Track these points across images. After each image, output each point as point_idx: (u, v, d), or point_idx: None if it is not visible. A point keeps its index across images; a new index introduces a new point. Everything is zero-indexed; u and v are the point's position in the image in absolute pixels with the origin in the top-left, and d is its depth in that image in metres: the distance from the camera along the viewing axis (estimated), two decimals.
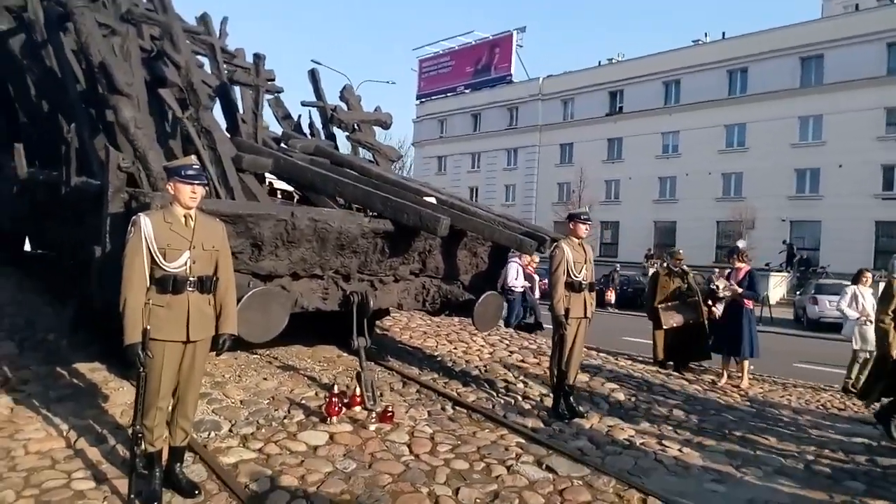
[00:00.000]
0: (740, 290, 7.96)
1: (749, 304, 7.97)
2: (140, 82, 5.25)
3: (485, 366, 7.52)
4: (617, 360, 8.88)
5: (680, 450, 5.38)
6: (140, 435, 3.69)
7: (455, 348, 8.26)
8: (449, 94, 49.74)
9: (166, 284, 3.65)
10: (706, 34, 38.07)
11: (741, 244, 8.98)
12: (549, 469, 4.68)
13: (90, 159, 5.07)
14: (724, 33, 36.41)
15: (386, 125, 8.16)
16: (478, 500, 4.16)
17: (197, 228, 3.76)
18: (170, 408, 3.89)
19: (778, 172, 31.98)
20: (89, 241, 4.63)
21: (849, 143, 29.67)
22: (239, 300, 4.45)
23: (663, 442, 5.55)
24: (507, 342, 8.92)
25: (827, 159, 30.76)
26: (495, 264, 6.79)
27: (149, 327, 3.59)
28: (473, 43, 48.33)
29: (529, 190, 44.32)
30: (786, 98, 31.96)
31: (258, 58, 6.47)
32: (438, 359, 7.73)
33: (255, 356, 6.67)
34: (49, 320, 6.63)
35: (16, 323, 6.73)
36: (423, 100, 52.03)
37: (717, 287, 8.16)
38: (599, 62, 43.04)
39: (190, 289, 3.71)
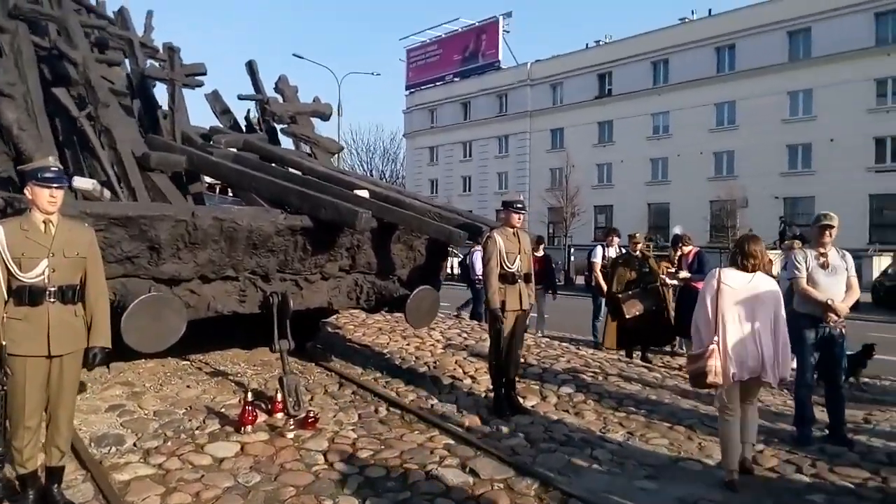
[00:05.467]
0: (689, 275, 7.74)
1: (699, 285, 7.69)
2: (33, 82, 4.99)
3: (435, 362, 7.26)
4: (578, 348, 8.62)
5: (620, 444, 5.14)
6: (1, 457, 3.46)
7: (408, 344, 8.00)
8: (438, 84, 49.29)
9: (22, 296, 3.41)
10: (693, 11, 37.52)
11: (678, 230, 8.78)
12: (472, 472, 4.43)
13: None
14: (710, 10, 35.94)
15: (325, 116, 7.85)
16: None
17: (57, 235, 3.50)
18: (44, 426, 3.65)
19: (769, 149, 31.54)
20: None
21: (840, 117, 29.22)
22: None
23: (605, 436, 5.31)
24: (466, 335, 8.66)
25: (818, 134, 30.34)
26: (434, 257, 6.52)
27: (4, 343, 3.34)
28: (460, 30, 47.81)
29: (522, 177, 43.88)
30: (775, 73, 31.48)
31: (172, 50, 6.19)
32: (387, 356, 7.47)
33: (185, 362, 6.42)
34: None
35: None
36: (412, 90, 51.57)
37: (667, 284, 8.05)
38: (587, 45, 42.47)
39: (50, 300, 3.46)
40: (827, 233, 5.18)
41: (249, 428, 4.86)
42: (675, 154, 35.74)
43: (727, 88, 33.40)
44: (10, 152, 4.58)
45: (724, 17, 33.80)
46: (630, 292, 8.17)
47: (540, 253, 10.69)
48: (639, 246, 8.45)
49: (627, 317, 8.18)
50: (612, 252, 9.40)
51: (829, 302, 5.07)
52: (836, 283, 5.18)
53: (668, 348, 8.95)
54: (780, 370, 4.33)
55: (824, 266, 5.17)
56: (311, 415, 5.12)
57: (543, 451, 4.89)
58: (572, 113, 40.70)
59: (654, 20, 47.06)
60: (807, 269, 5.20)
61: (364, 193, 6.17)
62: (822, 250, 5.22)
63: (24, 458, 3.55)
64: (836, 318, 5.11)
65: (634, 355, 8.50)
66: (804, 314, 5.28)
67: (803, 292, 5.21)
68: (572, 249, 31.44)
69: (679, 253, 8.38)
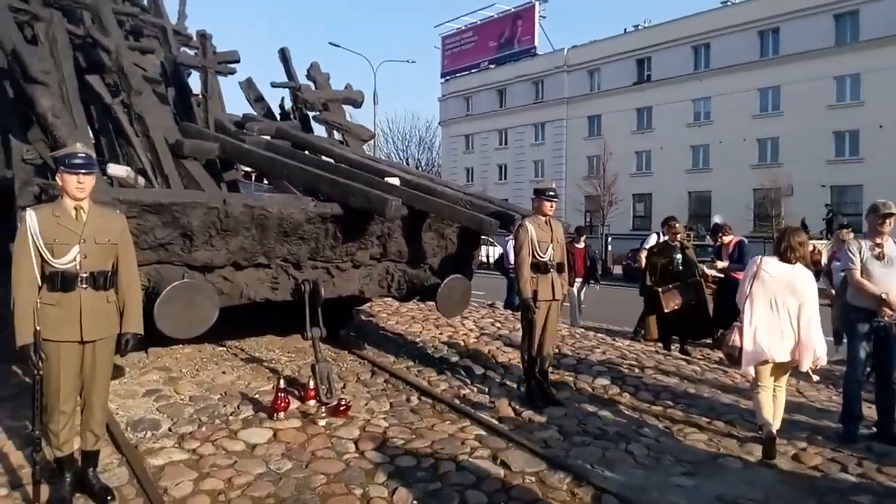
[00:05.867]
0: (726, 264, 7.52)
1: (739, 275, 7.47)
2: (68, 70, 5.04)
3: (467, 351, 7.20)
4: (614, 339, 8.44)
5: (656, 439, 4.99)
6: (38, 440, 3.51)
7: (441, 333, 7.95)
8: (473, 71, 48.98)
9: (55, 282, 3.44)
10: None
11: (718, 219, 8.52)
12: (504, 464, 4.36)
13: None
14: None
15: (357, 103, 7.82)
16: (414, 502, 3.87)
17: (89, 221, 3.52)
18: (79, 411, 3.70)
19: (815, 136, 30.59)
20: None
21: (889, 103, 28.13)
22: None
23: (641, 429, 5.17)
24: (500, 325, 8.58)
25: (866, 120, 29.27)
26: (466, 246, 6.43)
27: (39, 328, 3.38)
28: (495, 16, 47.34)
29: (558, 165, 43.43)
30: (820, 58, 30.46)
31: (204, 37, 6.19)
32: (420, 345, 7.44)
33: (221, 348, 6.49)
34: None
35: None
36: (447, 78, 51.37)
37: (707, 276, 7.83)
38: (625, 29, 41.74)
39: (82, 286, 3.48)
40: (887, 222, 4.95)
41: (282, 415, 4.86)
42: (716, 141, 34.91)
43: (771, 73, 32.43)
44: (46, 140, 4.64)
45: None
46: (670, 286, 7.93)
47: (581, 245, 10.46)
48: (678, 235, 8.21)
49: (666, 311, 7.97)
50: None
51: (884, 295, 4.85)
52: (892, 276, 4.94)
53: (708, 340, 8.70)
54: (813, 356, 4.60)
55: (880, 257, 4.95)
56: (343, 402, 5.11)
57: (577, 445, 4.79)
58: (610, 99, 40.05)
59: (694, 4, 45.88)
60: (861, 261, 4.98)
61: (395, 181, 6.11)
62: (878, 241, 4.99)
63: (60, 441, 3.59)
64: (890, 312, 4.89)
65: (673, 347, 8.30)
66: (857, 307, 5.07)
67: (857, 284, 4.99)
68: (610, 238, 31.02)
69: (719, 242, 8.14)
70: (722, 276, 7.92)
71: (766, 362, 4.65)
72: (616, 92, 39.68)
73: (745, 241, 8.10)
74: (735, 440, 4.98)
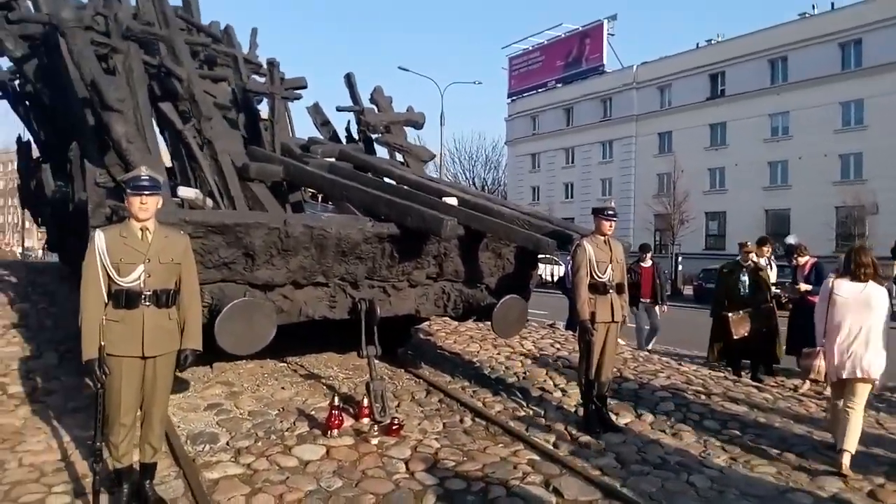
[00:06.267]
0: (808, 287, 7.10)
1: (815, 299, 7.05)
2: (142, 98, 5.33)
3: (524, 372, 7.09)
4: (680, 363, 8.14)
5: (721, 471, 4.76)
6: (99, 451, 3.66)
7: (498, 353, 7.87)
8: (540, 90, 48.82)
9: (120, 299, 3.60)
10: (814, 6, 35.03)
11: (792, 239, 8.01)
12: (556, 491, 4.25)
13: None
14: (832, 4, 33.41)
15: (418, 125, 7.91)
16: None
17: (154, 242, 3.68)
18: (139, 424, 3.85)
19: None
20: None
21: None
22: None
23: (705, 460, 4.94)
24: (559, 346, 8.42)
25: None
26: (524, 266, 6.37)
27: (103, 343, 3.54)
28: (563, 36, 47.14)
29: (626, 183, 42.58)
30: None
31: (272, 65, 6.43)
32: (476, 365, 7.38)
33: (282, 364, 6.64)
34: None
35: (70, 333, 7.08)
36: (514, 98, 51.42)
37: (783, 297, 7.47)
38: (697, 44, 40.72)
39: (145, 303, 3.63)
40: None
41: (336, 432, 4.92)
42: (795, 157, 33.43)
43: (854, 86, 30.86)
44: (121, 164, 4.92)
45: (849, 10, 31.35)
46: (741, 312, 7.59)
47: (647, 263, 10.13)
48: (750, 256, 7.85)
49: (735, 337, 7.63)
50: (762, 261, 8.37)
51: None
52: None
53: (781, 365, 8.26)
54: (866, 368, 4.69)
55: None
56: (396, 421, 5.11)
57: (635, 474, 4.61)
58: (681, 115, 39.05)
59: (769, 17, 44.21)
60: None
61: (452, 201, 6.12)
62: None
63: (119, 453, 3.74)
64: None
65: (743, 374, 7.91)
66: None
67: None
68: (680, 258, 30.09)
69: (794, 263, 7.75)
70: (797, 297, 7.52)
71: (843, 380, 4.77)
72: (688, 108, 38.70)
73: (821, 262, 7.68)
74: (806, 474, 4.68)
